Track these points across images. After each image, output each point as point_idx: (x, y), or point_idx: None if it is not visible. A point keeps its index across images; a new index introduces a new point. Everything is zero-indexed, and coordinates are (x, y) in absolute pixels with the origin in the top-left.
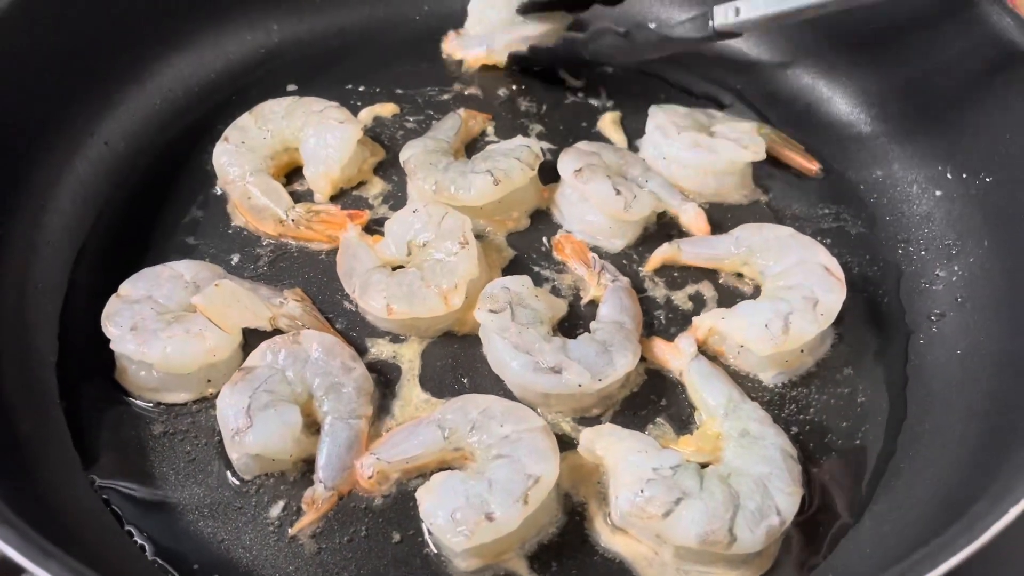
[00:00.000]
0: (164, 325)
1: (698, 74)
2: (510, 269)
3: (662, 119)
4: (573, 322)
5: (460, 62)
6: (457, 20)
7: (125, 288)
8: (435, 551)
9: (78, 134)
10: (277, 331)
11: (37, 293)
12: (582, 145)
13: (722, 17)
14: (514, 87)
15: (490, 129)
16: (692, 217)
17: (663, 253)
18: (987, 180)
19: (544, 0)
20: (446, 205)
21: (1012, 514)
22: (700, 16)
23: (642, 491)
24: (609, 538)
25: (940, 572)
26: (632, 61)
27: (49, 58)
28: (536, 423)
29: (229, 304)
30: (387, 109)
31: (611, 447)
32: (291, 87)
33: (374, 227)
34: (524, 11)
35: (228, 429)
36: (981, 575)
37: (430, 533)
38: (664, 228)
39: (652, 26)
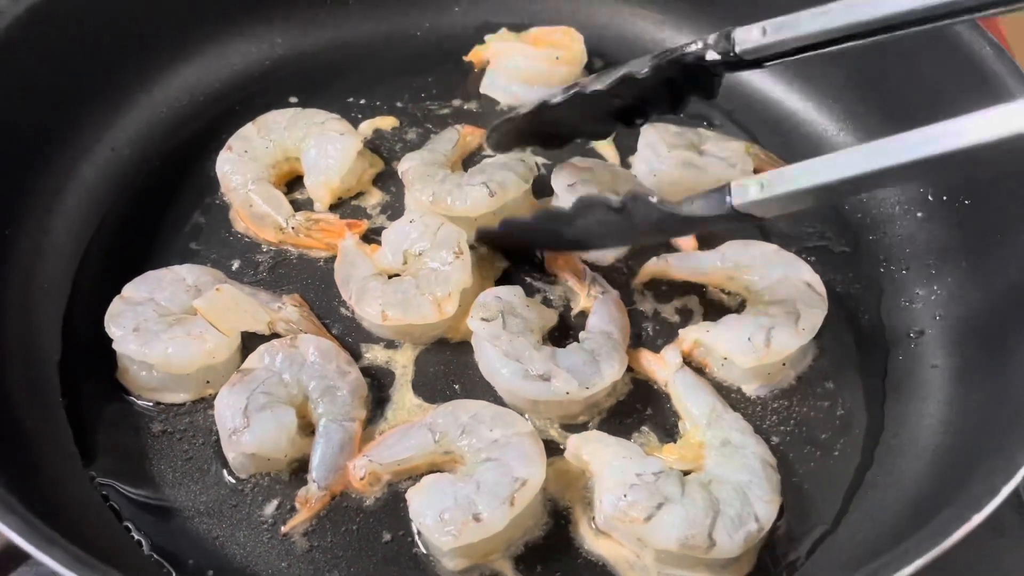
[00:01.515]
0: (165, 327)
1: None
2: (503, 279)
3: (653, 137)
4: (563, 332)
5: (463, 77)
6: (457, 36)
7: (128, 290)
8: (424, 551)
9: (85, 140)
10: (275, 335)
11: (42, 294)
12: (576, 161)
13: (741, 196)
14: (512, 104)
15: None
16: None
17: (652, 267)
18: (966, 203)
19: (522, 132)
20: (442, 216)
21: (975, 521)
22: (717, 192)
23: (625, 495)
24: (593, 541)
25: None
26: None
27: (59, 66)
28: (524, 428)
29: (229, 308)
30: (387, 122)
31: (597, 453)
32: (293, 99)
33: (372, 236)
34: (497, 147)
35: (225, 429)
36: None
37: (419, 533)
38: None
39: (654, 199)
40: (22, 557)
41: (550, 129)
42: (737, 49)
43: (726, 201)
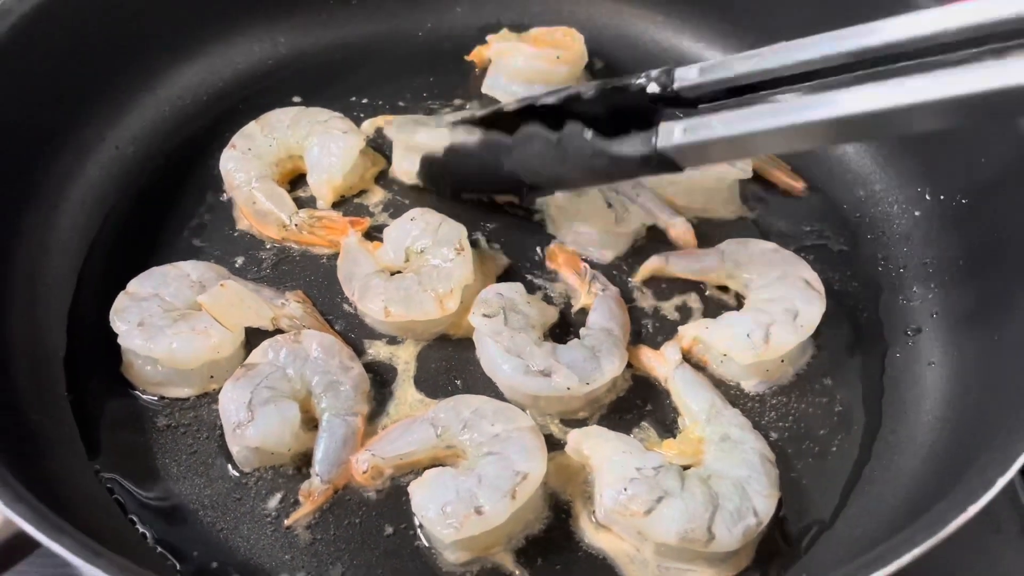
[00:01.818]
0: (170, 322)
1: None
2: (504, 276)
3: None
4: (564, 329)
5: (464, 77)
6: (459, 37)
7: (133, 286)
8: (426, 544)
9: (90, 138)
10: (279, 331)
11: (47, 290)
12: None
13: (666, 139)
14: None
15: None
16: (680, 231)
17: (652, 265)
18: (963, 202)
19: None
20: (442, 215)
21: (970, 512)
22: (645, 132)
23: (625, 489)
24: (593, 535)
25: (900, 564)
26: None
27: (63, 65)
28: (526, 423)
29: (233, 304)
30: (389, 121)
31: (597, 447)
32: (296, 99)
33: (374, 234)
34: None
35: (229, 422)
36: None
37: (421, 526)
38: (653, 241)
39: (588, 135)
40: (29, 548)
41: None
42: (675, 85)
43: (651, 141)
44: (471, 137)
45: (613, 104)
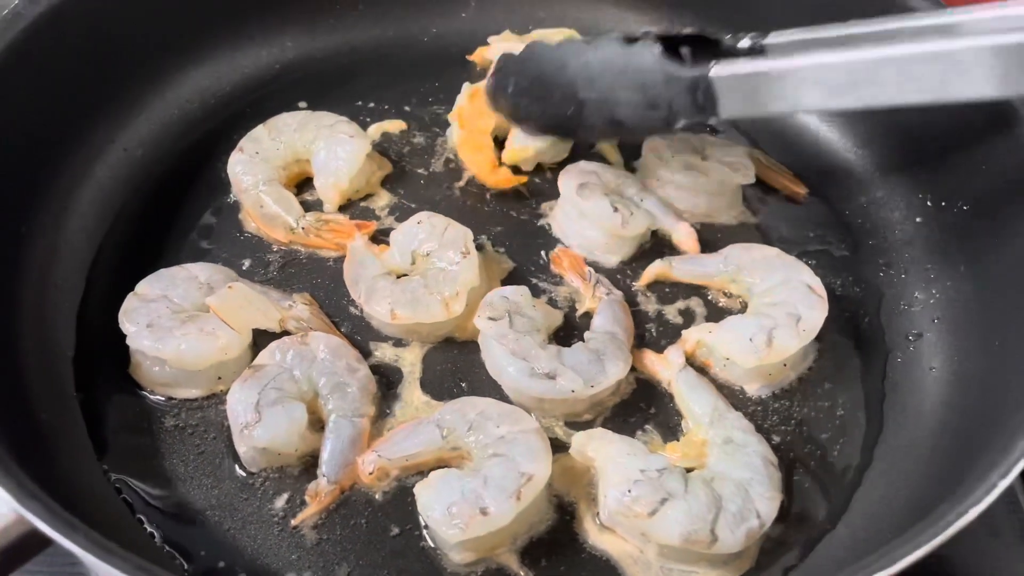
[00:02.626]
0: (179, 323)
1: None
2: (509, 280)
3: (657, 141)
4: (568, 332)
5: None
6: (465, 42)
7: (142, 287)
8: (431, 544)
9: (99, 141)
10: (286, 333)
11: (56, 291)
12: (582, 164)
13: (725, 67)
14: None
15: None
16: (684, 236)
17: (655, 269)
18: (964, 208)
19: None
20: (448, 219)
21: (972, 514)
22: (703, 65)
23: (629, 491)
24: (597, 537)
25: (902, 566)
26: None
27: (73, 68)
28: (531, 425)
29: (241, 305)
30: (395, 125)
31: (601, 449)
32: (302, 104)
33: (380, 237)
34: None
35: (237, 423)
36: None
37: (427, 527)
38: (657, 245)
39: (656, 50)
40: (40, 545)
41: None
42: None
43: (708, 66)
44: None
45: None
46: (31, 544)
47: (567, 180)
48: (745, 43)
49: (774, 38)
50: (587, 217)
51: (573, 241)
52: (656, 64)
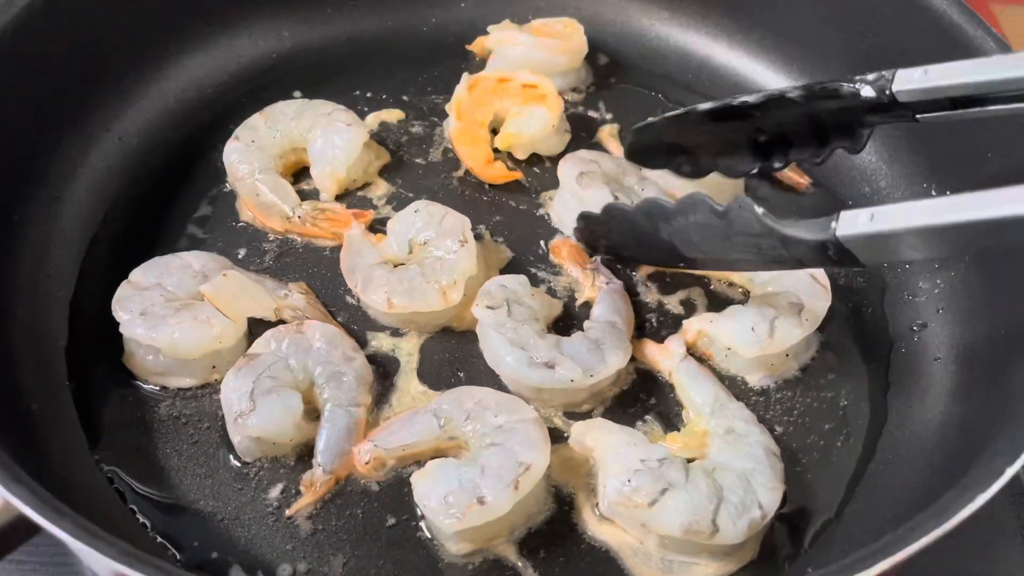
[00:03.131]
0: (172, 312)
1: (696, 92)
2: (508, 270)
3: None
4: (568, 322)
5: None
6: (463, 32)
7: (136, 275)
8: (428, 535)
9: (94, 129)
10: (281, 321)
11: (49, 280)
12: (582, 153)
13: (849, 227)
14: None
15: None
16: None
17: None
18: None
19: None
20: (445, 207)
21: (979, 501)
22: (824, 218)
23: (629, 480)
24: (596, 528)
25: (908, 553)
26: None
27: (69, 57)
28: (529, 414)
29: (236, 294)
30: (393, 115)
31: (601, 439)
32: (297, 93)
33: (377, 227)
34: (633, 156)
35: (232, 412)
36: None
37: (423, 517)
38: None
39: (759, 210)
40: (28, 533)
41: (688, 148)
42: (894, 88)
43: (830, 227)
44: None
45: (818, 111)
46: (18, 532)
47: (567, 169)
48: (868, 92)
49: (902, 83)
50: (587, 206)
51: (572, 231)
52: (765, 229)
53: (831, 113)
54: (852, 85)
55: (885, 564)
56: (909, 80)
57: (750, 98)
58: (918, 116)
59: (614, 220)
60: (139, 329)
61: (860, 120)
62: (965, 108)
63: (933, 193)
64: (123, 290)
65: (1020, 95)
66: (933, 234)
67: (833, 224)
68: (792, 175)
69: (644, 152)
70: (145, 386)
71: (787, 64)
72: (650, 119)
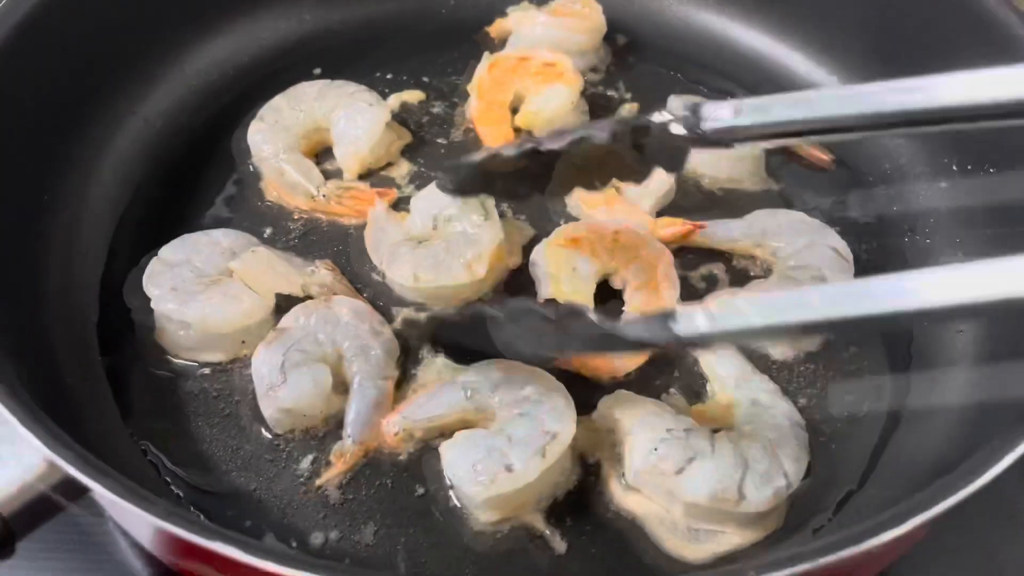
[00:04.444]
0: (203, 287)
1: (715, 71)
2: (529, 247)
3: (677, 103)
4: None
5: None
6: (483, 13)
7: (165, 252)
8: (457, 504)
9: (119, 112)
10: (308, 297)
11: (80, 258)
12: None
13: (687, 327)
14: None
15: None
16: None
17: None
18: (991, 172)
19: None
20: None
21: (1005, 463)
22: (663, 317)
23: (656, 449)
24: (622, 497)
25: (941, 510)
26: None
27: (94, 40)
28: (556, 385)
29: (264, 270)
30: (414, 96)
31: (627, 410)
32: (317, 71)
33: (401, 206)
34: (456, 190)
35: (263, 384)
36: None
37: (452, 486)
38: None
39: (592, 316)
40: (83, 491)
41: (508, 177)
42: (704, 127)
43: (670, 328)
44: (449, 308)
45: (630, 143)
46: (63, 495)
47: None
48: (679, 129)
49: (711, 122)
50: None
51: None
52: (603, 328)
53: (644, 143)
54: (661, 119)
55: (917, 520)
56: (718, 117)
57: (555, 143)
58: (735, 144)
59: (443, 328)
60: (170, 304)
61: (675, 148)
62: (780, 139)
63: (954, 169)
64: (154, 266)
65: (836, 129)
66: (775, 332)
67: (672, 324)
68: (815, 152)
69: (464, 186)
70: (175, 361)
71: (807, 43)
72: (461, 160)
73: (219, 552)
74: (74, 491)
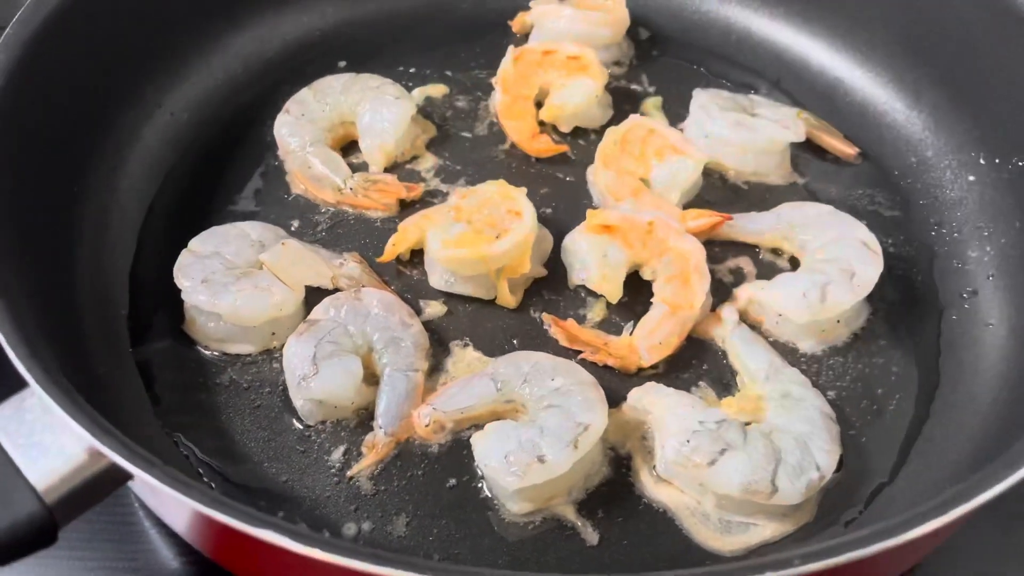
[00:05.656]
0: (233, 279)
1: (738, 65)
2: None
3: (705, 99)
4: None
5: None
6: (505, 7)
7: (195, 244)
8: (489, 495)
9: (147, 105)
10: (337, 290)
11: (110, 251)
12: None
13: None
14: None
15: None
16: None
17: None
18: (1019, 164)
19: None
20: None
21: None
22: None
23: (688, 441)
24: (653, 489)
25: (982, 501)
26: None
27: (122, 35)
28: (586, 377)
29: (294, 262)
30: (438, 90)
31: (658, 402)
32: (342, 63)
33: (427, 199)
34: None
35: (294, 375)
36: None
37: (483, 477)
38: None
39: None
40: (127, 477)
41: None
42: None
43: None
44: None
45: None
46: (107, 482)
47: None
48: None
49: None
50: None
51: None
52: None
53: None
54: None
55: (958, 511)
56: None
57: None
58: None
59: None
60: (201, 296)
61: None
62: None
63: (982, 162)
64: (184, 258)
65: None
66: None
67: None
68: (841, 146)
69: None
70: (206, 352)
71: (830, 36)
72: None
73: (267, 540)
74: (113, 481)
